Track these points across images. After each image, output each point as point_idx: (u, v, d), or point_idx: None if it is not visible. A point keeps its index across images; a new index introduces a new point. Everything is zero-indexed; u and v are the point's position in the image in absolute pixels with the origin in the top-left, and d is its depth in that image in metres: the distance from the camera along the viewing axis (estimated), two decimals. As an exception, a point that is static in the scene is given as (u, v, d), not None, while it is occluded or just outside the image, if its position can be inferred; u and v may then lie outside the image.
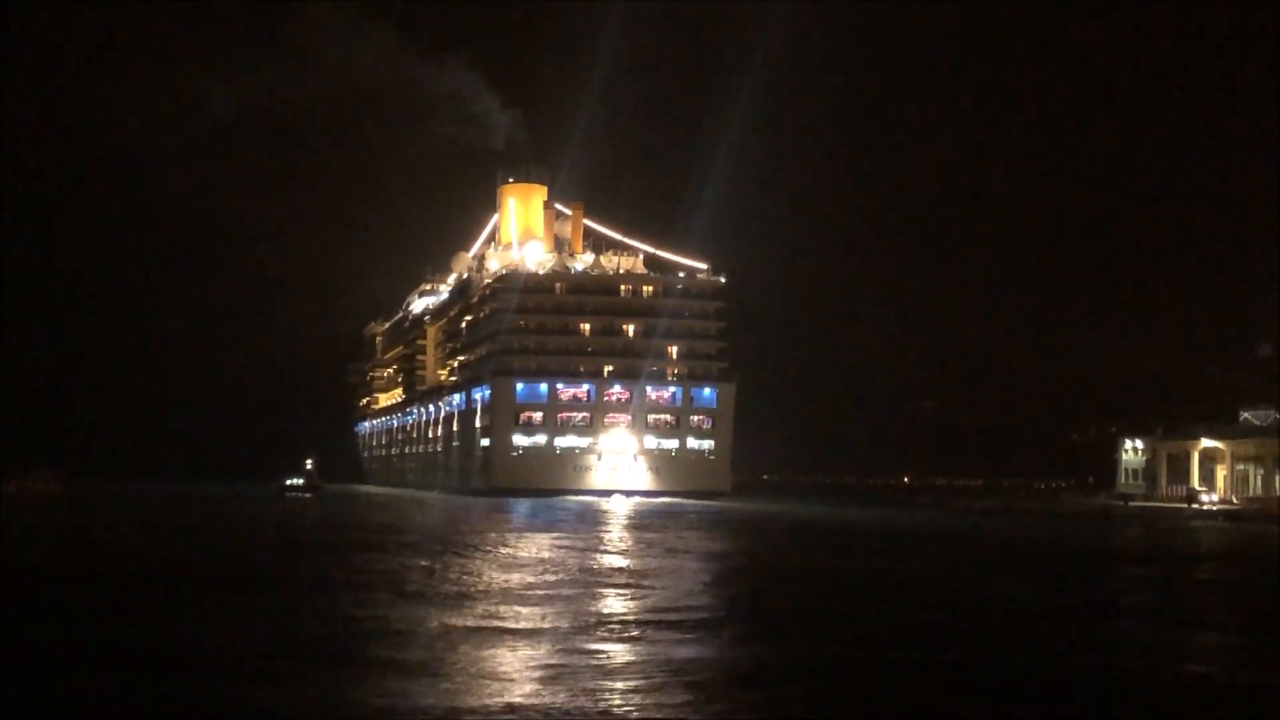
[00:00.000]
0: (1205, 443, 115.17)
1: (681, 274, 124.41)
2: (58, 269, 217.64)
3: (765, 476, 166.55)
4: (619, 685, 19.34)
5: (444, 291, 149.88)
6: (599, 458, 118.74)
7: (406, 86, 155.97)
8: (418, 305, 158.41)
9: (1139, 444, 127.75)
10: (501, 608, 28.30)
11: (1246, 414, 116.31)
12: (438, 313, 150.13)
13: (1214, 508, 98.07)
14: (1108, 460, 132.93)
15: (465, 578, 35.19)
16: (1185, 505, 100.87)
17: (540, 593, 31.60)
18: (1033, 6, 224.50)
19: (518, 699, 18.28)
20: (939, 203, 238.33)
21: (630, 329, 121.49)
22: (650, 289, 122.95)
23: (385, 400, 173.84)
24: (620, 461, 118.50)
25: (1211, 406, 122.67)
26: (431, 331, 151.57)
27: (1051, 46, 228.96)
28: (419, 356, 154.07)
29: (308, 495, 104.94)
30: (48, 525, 61.55)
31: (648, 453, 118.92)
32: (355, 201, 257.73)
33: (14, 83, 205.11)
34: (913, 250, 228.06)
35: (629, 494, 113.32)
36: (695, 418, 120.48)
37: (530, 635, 24.37)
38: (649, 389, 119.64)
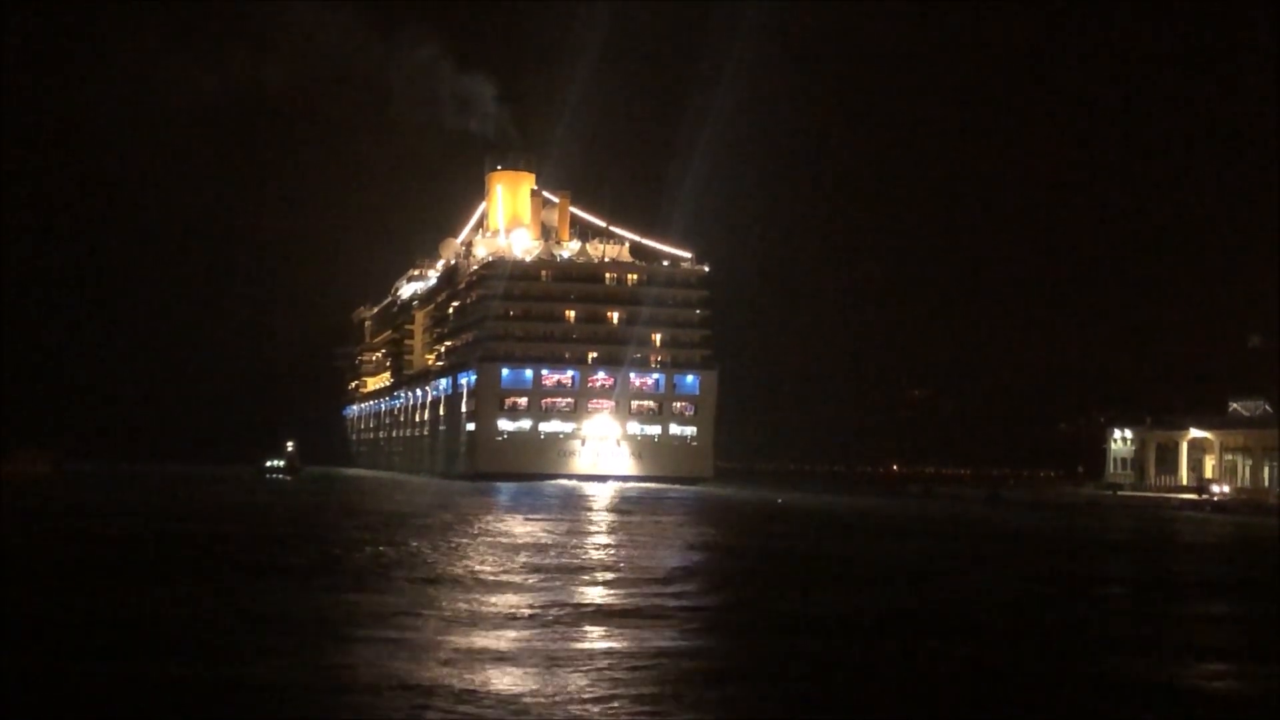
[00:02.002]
0: (1194, 433, 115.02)
1: (665, 262, 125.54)
2: (48, 255, 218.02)
3: (770, 466, 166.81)
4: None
5: (432, 277, 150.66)
6: (583, 443, 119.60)
7: (394, 76, 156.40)
8: (406, 290, 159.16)
9: (1128, 434, 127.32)
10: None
11: (1235, 405, 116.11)
12: (426, 298, 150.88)
13: (1223, 499, 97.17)
14: (1096, 450, 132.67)
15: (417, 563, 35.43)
16: (1197, 496, 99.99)
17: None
18: (1026, 3, 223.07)
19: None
20: (926, 191, 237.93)
21: (614, 316, 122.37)
22: (634, 277, 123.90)
23: (373, 384, 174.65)
24: (603, 447, 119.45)
25: (1200, 397, 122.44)
26: (419, 317, 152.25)
27: (1043, 34, 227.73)
28: (407, 341, 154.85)
29: (287, 478, 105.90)
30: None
31: (631, 438, 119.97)
32: (346, 187, 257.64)
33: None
34: (900, 239, 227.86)
35: (612, 479, 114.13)
36: (678, 404, 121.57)
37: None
38: (632, 375, 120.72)
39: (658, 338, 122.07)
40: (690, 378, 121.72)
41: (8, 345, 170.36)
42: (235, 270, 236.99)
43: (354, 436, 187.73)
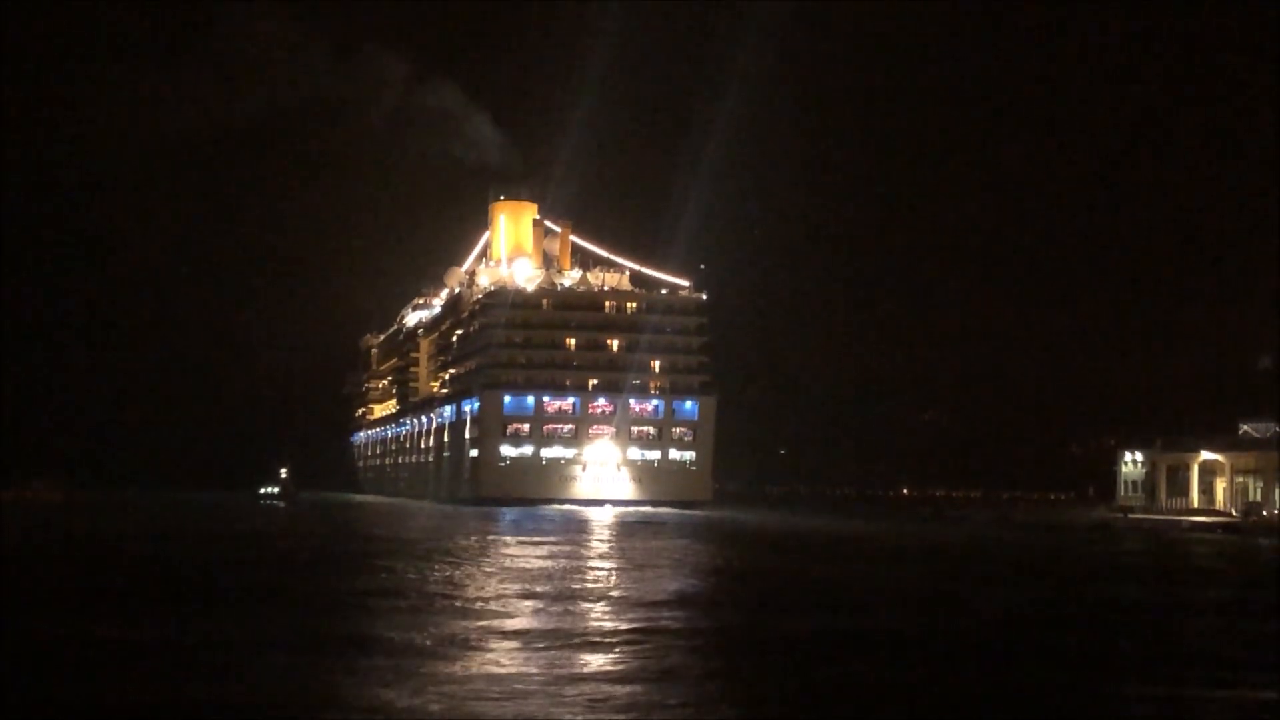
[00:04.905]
0: (1205, 455, 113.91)
1: (664, 290, 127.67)
2: (57, 284, 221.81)
3: (777, 490, 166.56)
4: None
5: (437, 306, 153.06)
6: (583, 468, 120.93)
7: (398, 107, 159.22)
8: (411, 319, 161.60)
9: (1138, 456, 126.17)
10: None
11: (1246, 426, 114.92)
12: (430, 326, 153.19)
13: (1258, 522, 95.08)
14: (1107, 472, 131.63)
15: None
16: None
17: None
18: (1024, 12, 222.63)
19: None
20: (932, 214, 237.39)
21: (614, 344, 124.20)
22: (634, 305, 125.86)
23: (380, 411, 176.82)
24: (604, 472, 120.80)
25: (1211, 418, 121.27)
26: (424, 344, 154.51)
27: (1045, 53, 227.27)
28: (412, 369, 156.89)
29: (281, 504, 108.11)
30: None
31: (631, 463, 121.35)
32: (352, 217, 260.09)
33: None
34: (905, 262, 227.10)
35: (612, 503, 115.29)
36: (677, 429, 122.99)
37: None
38: (632, 402, 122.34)
39: (657, 364, 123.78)
40: (689, 403, 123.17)
41: (19, 376, 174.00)
42: (243, 299, 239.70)
43: (361, 463, 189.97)
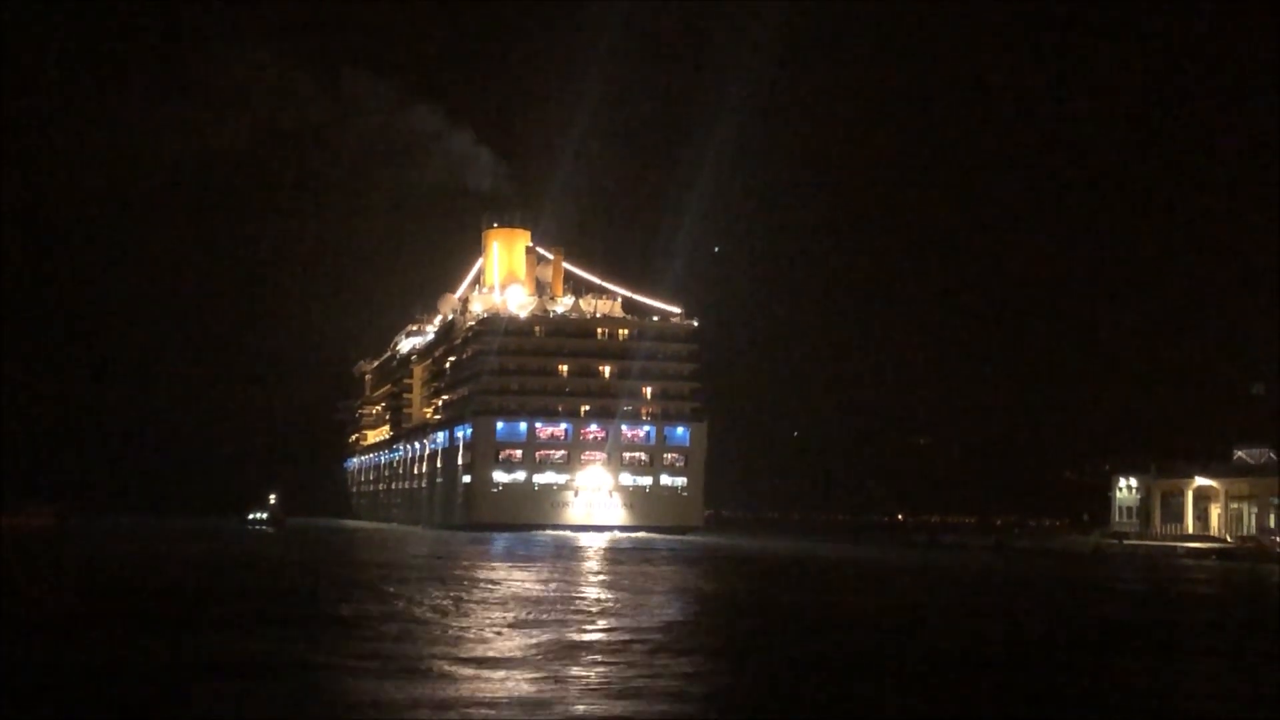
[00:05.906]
0: (1199, 481, 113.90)
1: (656, 317, 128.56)
2: (48, 311, 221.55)
3: (773, 515, 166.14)
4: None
5: (430, 332, 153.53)
6: (576, 494, 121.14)
7: (392, 135, 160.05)
8: (405, 345, 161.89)
9: (1133, 482, 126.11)
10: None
11: (1240, 452, 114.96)
12: (424, 353, 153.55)
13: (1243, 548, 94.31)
14: (1102, 498, 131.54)
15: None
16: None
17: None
18: (1006, 51, 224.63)
19: None
20: (926, 239, 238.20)
21: (607, 370, 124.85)
22: (625, 332, 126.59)
23: (374, 437, 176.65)
24: (596, 498, 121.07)
25: (1206, 445, 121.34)
26: (418, 371, 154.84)
27: (1040, 84, 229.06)
28: (406, 395, 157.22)
29: (269, 529, 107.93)
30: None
31: (622, 489, 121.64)
32: (346, 244, 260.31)
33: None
34: (899, 287, 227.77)
35: (604, 529, 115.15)
36: (668, 456, 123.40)
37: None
38: (624, 428, 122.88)
39: (649, 391, 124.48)
40: (680, 430, 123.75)
41: (11, 402, 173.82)
42: (236, 325, 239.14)
43: (354, 489, 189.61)
